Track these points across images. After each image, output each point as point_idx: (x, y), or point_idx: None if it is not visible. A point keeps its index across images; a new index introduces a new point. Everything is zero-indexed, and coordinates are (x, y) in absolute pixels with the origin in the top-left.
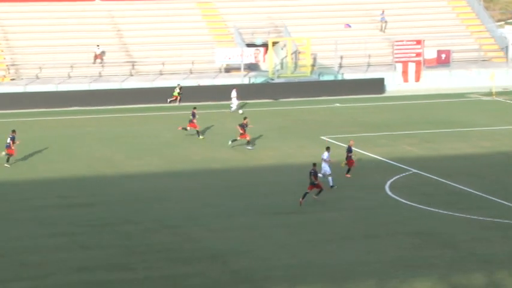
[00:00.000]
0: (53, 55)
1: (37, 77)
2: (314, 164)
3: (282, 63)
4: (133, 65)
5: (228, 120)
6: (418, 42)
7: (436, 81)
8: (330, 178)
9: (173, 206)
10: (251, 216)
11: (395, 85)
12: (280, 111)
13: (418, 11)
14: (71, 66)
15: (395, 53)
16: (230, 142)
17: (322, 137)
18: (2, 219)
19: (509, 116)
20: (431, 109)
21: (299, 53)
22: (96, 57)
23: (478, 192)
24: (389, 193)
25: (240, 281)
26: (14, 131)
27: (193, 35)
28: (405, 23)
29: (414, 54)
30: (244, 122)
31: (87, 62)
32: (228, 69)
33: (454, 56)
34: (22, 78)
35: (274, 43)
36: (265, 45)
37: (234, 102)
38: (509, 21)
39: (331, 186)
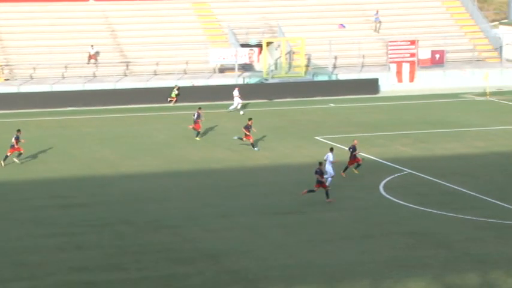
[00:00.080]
0: (47, 55)
1: (31, 77)
2: (320, 163)
3: (276, 64)
4: (127, 65)
5: (223, 120)
6: (412, 42)
7: (430, 82)
8: (330, 179)
9: (171, 206)
10: (248, 216)
11: (389, 85)
12: (275, 111)
13: (413, 11)
14: (65, 67)
15: (390, 53)
16: (235, 137)
17: (317, 137)
18: (1, 219)
19: (504, 116)
20: (426, 109)
21: (293, 53)
22: (90, 57)
23: (472, 192)
24: (384, 193)
25: (237, 281)
26: (18, 131)
27: (188, 35)
28: (399, 23)
29: (408, 55)
30: (249, 123)
31: (81, 62)
32: (222, 70)
33: (448, 56)
34: (16, 79)
35: (268, 43)
36: (259, 45)
37: (236, 102)
38: (503, 21)
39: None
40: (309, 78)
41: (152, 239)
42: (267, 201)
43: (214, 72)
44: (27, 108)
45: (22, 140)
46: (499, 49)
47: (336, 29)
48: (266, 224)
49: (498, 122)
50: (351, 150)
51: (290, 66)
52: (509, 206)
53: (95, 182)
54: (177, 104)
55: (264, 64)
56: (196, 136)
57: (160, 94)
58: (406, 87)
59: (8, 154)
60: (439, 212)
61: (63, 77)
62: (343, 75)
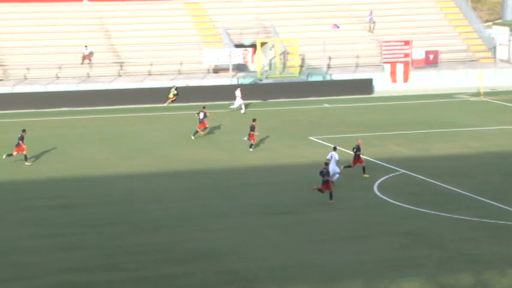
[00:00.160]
0: (41, 56)
1: (25, 78)
2: (326, 164)
3: (270, 64)
4: (121, 66)
5: (218, 120)
6: (406, 42)
7: (424, 82)
8: (337, 175)
9: (170, 206)
10: (245, 216)
11: (383, 86)
12: (269, 111)
13: (406, 12)
14: (59, 67)
15: (384, 54)
16: (245, 138)
17: (311, 138)
18: (1, 219)
19: (498, 116)
20: (420, 109)
21: (287, 53)
22: (84, 57)
23: (466, 193)
24: (378, 193)
25: (236, 281)
26: (24, 131)
27: (182, 35)
28: (393, 23)
29: (402, 55)
30: (253, 124)
31: (75, 62)
32: (216, 70)
33: (442, 56)
34: (10, 79)
35: (262, 44)
36: (253, 45)
37: (237, 102)
38: (497, 21)
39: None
40: (303, 78)
41: (152, 239)
42: (265, 202)
43: (209, 72)
44: (21, 109)
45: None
46: (493, 49)
47: (330, 29)
48: (258, 225)
49: (492, 122)
50: (355, 150)
51: (284, 66)
52: (503, 206)
53: (94, 182)
54: (171, 105)
55: (258, 64)
56: (193, 135)
57: (154, 94)
58: (400, 88)
59: (14, 153)
60: (433, 212)
61: (57, 78)
62: (337, 76)
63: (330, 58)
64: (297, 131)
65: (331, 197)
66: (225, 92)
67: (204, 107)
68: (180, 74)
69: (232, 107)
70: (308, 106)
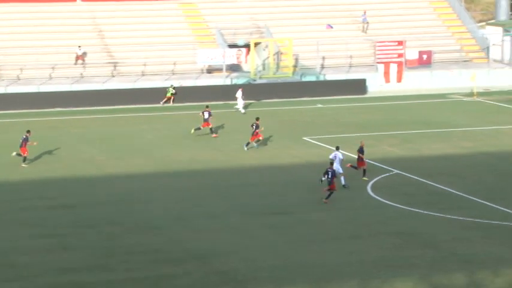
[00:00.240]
0: (34, 56)
1: (18, 78)
2: (331, 163)
3: (264, 64)
4: (115, 66)
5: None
6: (400, 43)
7: (418, 82)
8: (342, 178)
9: (160, 207)
10: (237, 216)
11: (377, 86)
12: (263, 112)
13: (400, 12)
14: (53, 67)
15: (377, 54)
16: (255, 146)
17: (305, 138)
18: None
19: (491, 116)
20: (413, 110)
21: (281, 53)
22: (77, 58)
23: (459, 193)
24: (371, 193)
25: (225, 282)
26: (28, 132)
27: (175, 35)
28: (387, 23)
29: (396, 55)
30: (257, 122)
31: (68, 63)
32: (210, 70)
33: (436, 56)
34: (3, 79)
35: (256, 44)
36: (247, 46)
37: (240, 102)
38: (490, 21)
39: (344, 186)
40: (296, 78)
41: (140, 240)
42: (256, 202)
43: (202, 72)
44: (14, 109)
45: (34, 143)
46: (486, 49)
47: (323, 29)
48: (255, 225)
49: (485, 122)
50: (360, 151)
51: (278, 66)
52: (496, 206)
53: (83, 183)
54: (167, 105)
55: (252, 65)
56: (193, 130)
57: (147, 95)
58: (393, 88)
59: (22, 154)
60: (426, 212)
61: (51, 78)
62: (330, 76)
63: (323, 58)
64: (291, 131)
65: (328, 196)
66: (219, 92)
67: (207, 106)
68: (173, 74)
69: (238, 107)
70: (302, 106)
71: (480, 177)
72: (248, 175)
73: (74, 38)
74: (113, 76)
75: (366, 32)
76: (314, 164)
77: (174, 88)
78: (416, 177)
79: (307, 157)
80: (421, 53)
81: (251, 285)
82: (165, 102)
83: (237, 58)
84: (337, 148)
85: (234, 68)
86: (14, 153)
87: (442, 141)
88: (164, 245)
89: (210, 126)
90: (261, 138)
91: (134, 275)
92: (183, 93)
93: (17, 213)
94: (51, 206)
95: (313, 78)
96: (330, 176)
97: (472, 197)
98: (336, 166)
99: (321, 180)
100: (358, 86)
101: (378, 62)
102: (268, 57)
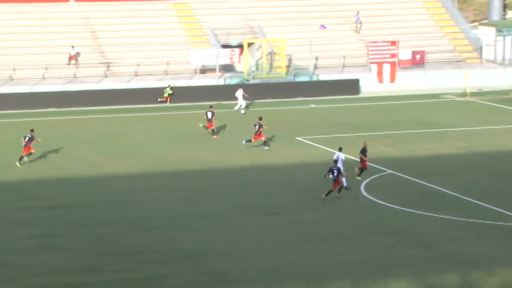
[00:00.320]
0: (27, 56)
1: (11, 78)
2: (335, 162)
3: (257, 64)
4: (108, 66)
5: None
6: (393, 43)
7: (411, 82)
8: (344, 179)
9: (152, 207)
10: (229, 217)
11: (370, 86)
12: (256, 112)
13: (393, 12)
14: (46, 68)
15: (370, 54)
16: (265, 147)
17: (298, 138)
18: None
19: (484, 116)
20: (406, 110)
21: (274, 54)
22: (70, 58)
23: (452, 193)
24: (365, 193)
25: (215, 283)
26: (32, 130)
27: (169, 36)
28: (380, 24)
29: (389, 55)
30: (260, 122)
31: (61, 63)
32: (203, 70)
33: (429, 56)
34: None
35: (249, 44)
36: (240, 46)
37: (241, 101)
38: (483, 22)
39: (346, 187)
40: (290, 79)
41: (132, 240)
42: (248, 202)
43: (196, 73)
44: (7, 110)
45: (38, 140)
46: (479, 50)
47: (316, 29)
48: (246, 225)
49: (478, 122)
50: (362, 152)
51: (271, 67)
52: (489, 206)
53: (76, 183)
54: (158, 105)
55: (245, 65)
56: (213, 135)
57: (141, 95)
58: (386, 88)
59: (33, 151)
60: (419, 212)
61: (44, 78)
62: (324, 76)
63: (316, 58)
64: (284, 132)
65: (328, 194)
66: (212, 93)
67: (211, 106)
68: (167, 74)
69: (238, 108)
70: (295, 106)
71: (474, 177)
72: (241, 175)
73: (67, 38)
74: (106, 76)
75: (359, 32)
76: (307, 164)
77: (171, 88)
78: (409, 177)
79: (300, 157)
80: (414, 53)
81: (241, 285)
82: (162, 102)
83: (231, 58)
84: (340, 149)
85: (228, 68)
86: (26, 159)
87: (436, 141)
88: (156, 245)
89: (212, 128)
90: (263, 138)
91: (125, 275)
92: (176, 94)
93: (10, 213)
94: (44, 207)
95: (306, 79)
96: (335, 174)
97: (465, 197)
98: (340, 166)
99: (325, 175)
100: (351, 86)
101: (371, 62)
102: (261, 58)
